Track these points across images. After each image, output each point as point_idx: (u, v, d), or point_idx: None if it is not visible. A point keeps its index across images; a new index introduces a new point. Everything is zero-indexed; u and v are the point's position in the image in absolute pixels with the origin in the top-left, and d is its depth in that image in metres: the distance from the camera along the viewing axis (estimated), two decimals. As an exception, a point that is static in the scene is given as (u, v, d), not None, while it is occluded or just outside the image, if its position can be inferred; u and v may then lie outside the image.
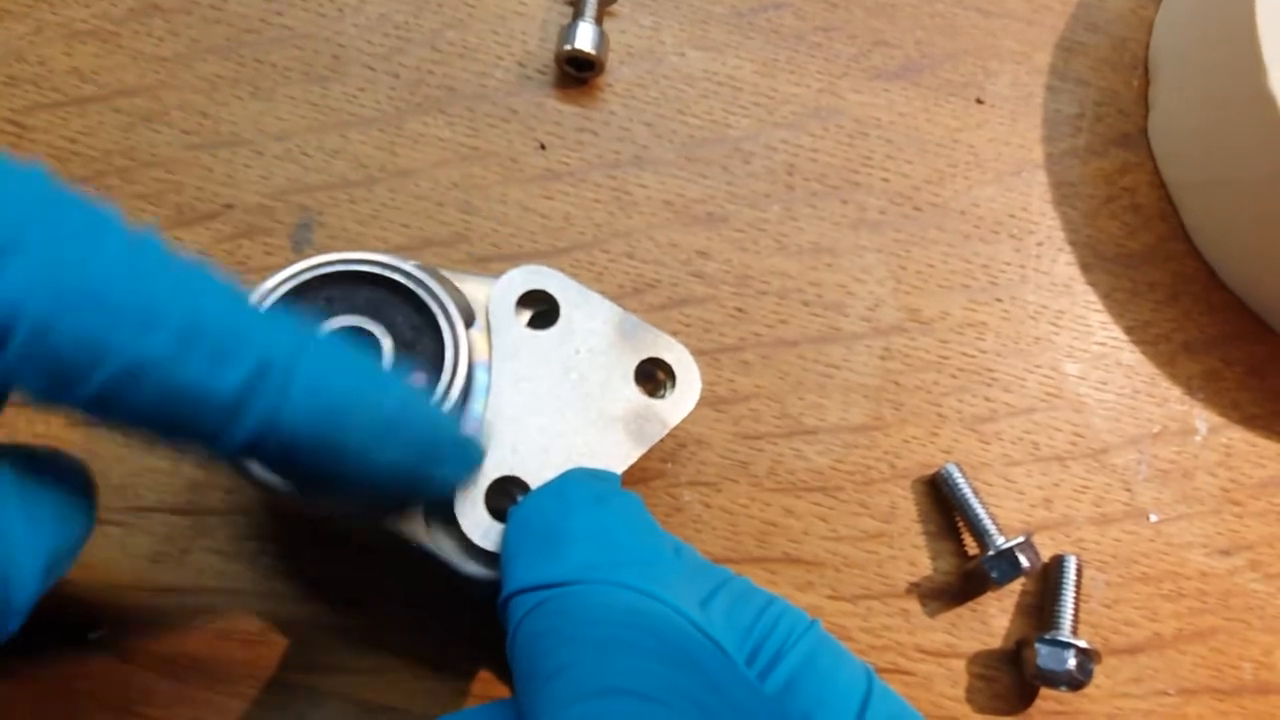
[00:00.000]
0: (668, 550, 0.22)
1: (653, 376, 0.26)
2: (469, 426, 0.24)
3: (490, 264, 0.30)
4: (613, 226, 0.31)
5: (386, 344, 0.24)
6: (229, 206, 0.30)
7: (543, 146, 0.31)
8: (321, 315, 0.24)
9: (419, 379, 0.24)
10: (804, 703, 0.20)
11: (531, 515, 0.22)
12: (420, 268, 0.25)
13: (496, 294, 0.25)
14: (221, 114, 0.30)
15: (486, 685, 0.27)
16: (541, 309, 0.26)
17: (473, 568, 0.23)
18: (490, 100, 0.31)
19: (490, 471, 0.24)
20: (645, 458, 0.29)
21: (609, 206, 0.31)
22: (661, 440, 0.29)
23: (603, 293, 0.30)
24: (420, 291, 0.24)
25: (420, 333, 0.24)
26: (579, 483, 0.23)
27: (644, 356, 0.25)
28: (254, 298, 0.23)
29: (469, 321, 0.25)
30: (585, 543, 0.20)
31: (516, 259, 0.30)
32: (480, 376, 0.25)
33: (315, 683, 0.26)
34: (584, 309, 0.25)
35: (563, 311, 0.25)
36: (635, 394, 0.25)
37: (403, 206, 0.30)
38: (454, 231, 0.30)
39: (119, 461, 0.27)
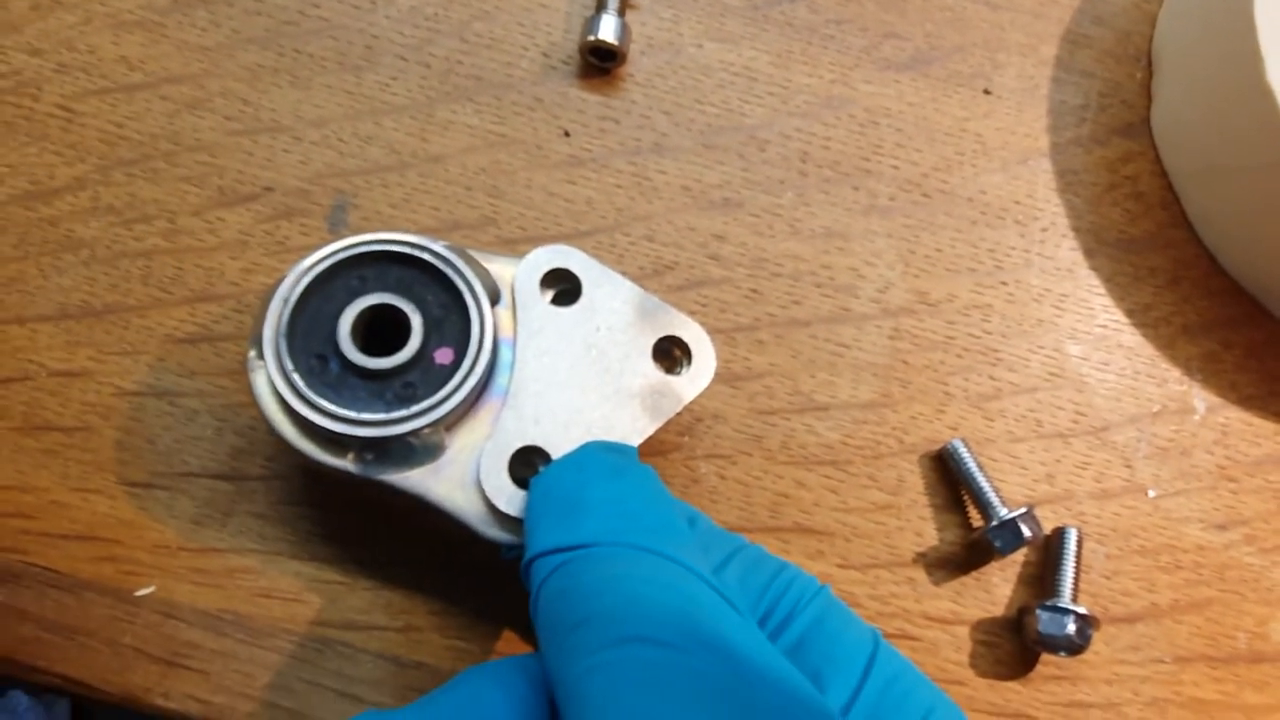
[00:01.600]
0: (681, 519, 0.23)
1: (670, 354, 0.27)
2: (497, 399, 0.25)
3: (517, 246, 0.31)
4: (633, 211, 0.32)
5: (416, 320, 0.25)
6: (268, 189, 0.31)
7: (566, 134, 0.32)
8: (355, 292, 0.25)
9: (446, 354, 0.25)
10: (814, 661, 0.22)
11: (552, 485, 0.23)
12: (449, 248, 0.26)
13: (522, 272, 0.26)
14: (262, 101, 0.32)
15: (511, 644, 0.28)
16: (564, 288, 0.27)
17: (496, 532, 0.25)
18: (516, 89, 0.33)
19: (513, 441, 0.25)
20: (663, 431, 0.30)
21: (630, 191, 0.32)
22: (679, 415, 0.30)
23: (623, 274, 0.31)
24: (448, 271, 0.25)
25: (448, 310, 0.26)
26: (597, 455, 0.24)
27: (661, 334, 0.27)
28: (293, 275, 0.25)
29: (495, 300, 0.26)
30: (603, 510, 0.22)
31: (541, 241, 0.31)
32: (505, 352, 0.26)
33: (350, 639, 0.28)
34: (605, 288, 0.27)
35: (585, 290, 0.27)
36: (652, 370, 0.26)
37: (433, 190, 0.32)
38: (482, 215, 0.32)
39: (166, 429, 0.29)
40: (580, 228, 0.32)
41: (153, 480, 0.29)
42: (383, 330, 0.26)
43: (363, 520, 0.29)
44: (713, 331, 0.31)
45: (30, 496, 0.28)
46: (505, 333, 0.26)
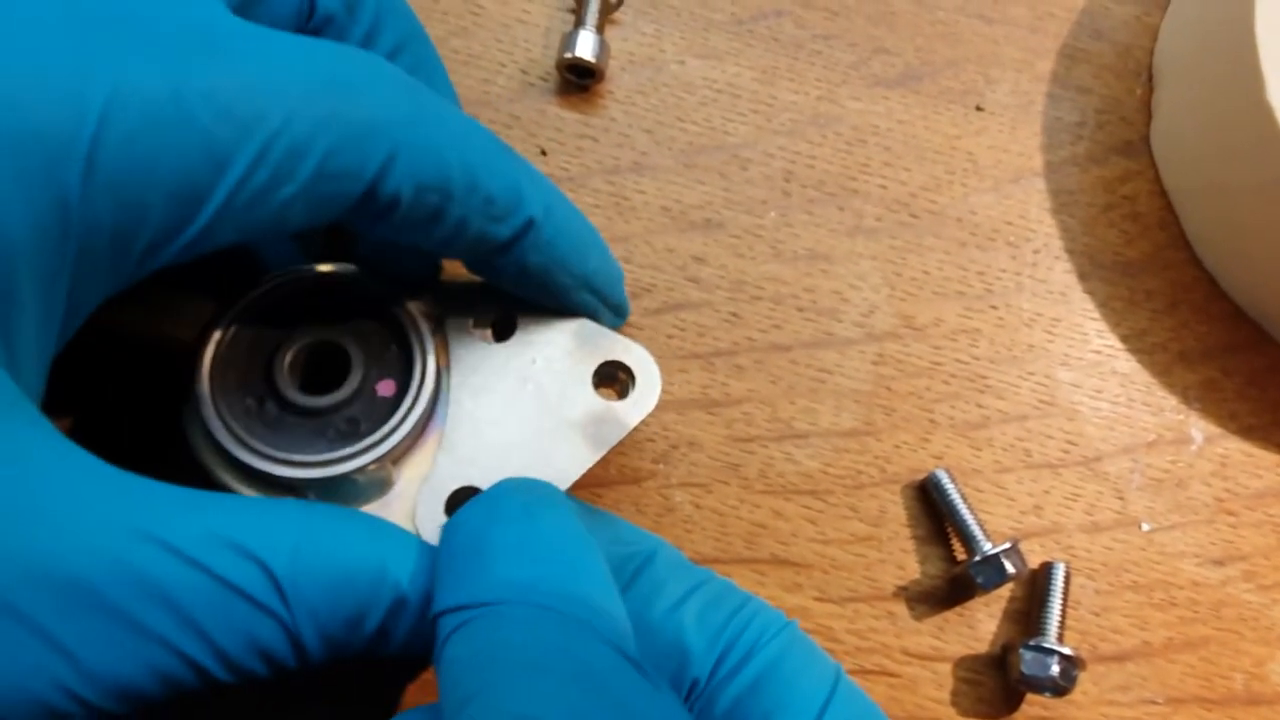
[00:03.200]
0: (596, 563, 0.22)
1: (615, 379, 0.27)
2: (434, 434, 0.25)
3: (490, 267, 0.31)
4: (611, 231, 0.31)
5: (356, 354, 0.25)
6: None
7: (544, 152, 0.32)
8: (289, 329, 0.25)
9: (389, 386, 0.25)
10: (765, 705, 0.21)
11: (459, 529, 0.22)
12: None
13: (453, 304, 0.26)
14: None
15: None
16: (499, 317, 0.27)
17: None
18: (493, 106, 0.32)
19: (449, 483, 0.25)
20: (638, 458, 0.30)
21: (607, 211, 0.32)
22: (653, 442, 0.30)
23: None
24: (385, 299, 0.25)
25: (388, 342, 0.25)
26: (507, 495, 0.23)
27: (602, 360, 0.26)
28: (224, 318, 0.25)
29: (436, 329, 0.26)
30: (508, 558, 0.21)
31: (516, 262, 0.31)
32: (448, 382, 0.26)
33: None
34: (539, 319, 0.26)
35: (519, 323, 0.26)
36: (593, 399, 0.26)
37: (406, 210, 0.31)
38: (456, 235, 0.31)
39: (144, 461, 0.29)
40: (556, 249, 0.31)
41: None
42: (322, 364, 0.25)
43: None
44: (690, 356, 0.31)
45: None
46: (449, 362, 0.26)
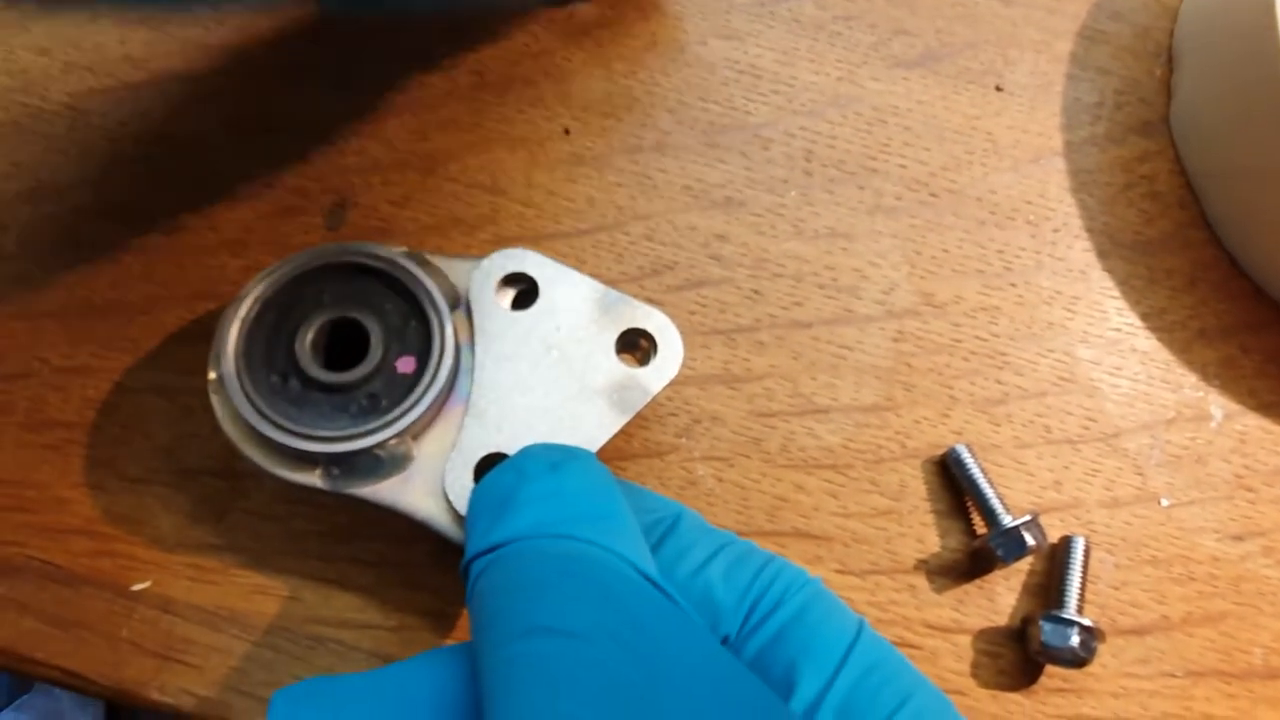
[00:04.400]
0: (621, 507, 0.22)
1: (637, 346, 0.27)
2: (455, 409, 0.25)
3: (515, 244, 0.31)
4: (634, 210, 0.32)
5: (375, 331, 0.25)
6: (269, 187, 0.31)
7: (567, 132, 0.32)
8: (311, 307, 0.26)
9: (409, 363, 0.25)
10: (790, 652, 0.21)
11: (489, 487, 0.23)
12: (407, 254, 0.26)
13: (476, 279, 0.26)
14: (264, 99, 0.32)
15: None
16: (523, 288, 0.27)
17: (463, 537, 0.24)
18: (517, 86, 0.32)
19: (477, 450, 0.25)
20: (660, 432, 0.30)
21: (630, 190, 0.32)
22: (676, 416, 0.30)
23: (622, 273, 0.31)
24: (406, 280, 0.25)
25: (408, 319, 0.26)
26: (535, 454, 0.24)
27: (625, 328, 0.26)
28: (247, 296, 0.25)
29: (455, 305, 0.26)
30: (536, 505, 0.21)
31: (541, 240, 0.31)
32: (468, 357, 0.26)
33: (343, 637, 0.28)
34: (563, 287, 0.26)
35: (542, 290, 0.26)
36: (616, 365, 0.26)
37: (432, 189, 0.31)
38: (480, 214, 0.31)
39: (164, 426, 0.29)
40: (580, 226, 0.31)
41: (151, 476, 0.29)
42: (343, 343, 0.26)
43: (357, 518, 0.29)
44: (712, 332, 0.31)
45: (32, 491, 0.28)
46: (467, 338, 0.26)
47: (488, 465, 0.25)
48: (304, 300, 0.26)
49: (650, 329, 0.27)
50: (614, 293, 0.27)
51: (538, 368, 0.26)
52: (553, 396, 0.26)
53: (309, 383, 0.25)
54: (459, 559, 0.22)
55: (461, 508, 0.24)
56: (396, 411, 0.25)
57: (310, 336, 0.25)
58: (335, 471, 0.25)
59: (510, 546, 0.21)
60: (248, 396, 0.25)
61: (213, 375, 0.25)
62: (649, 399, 0.26)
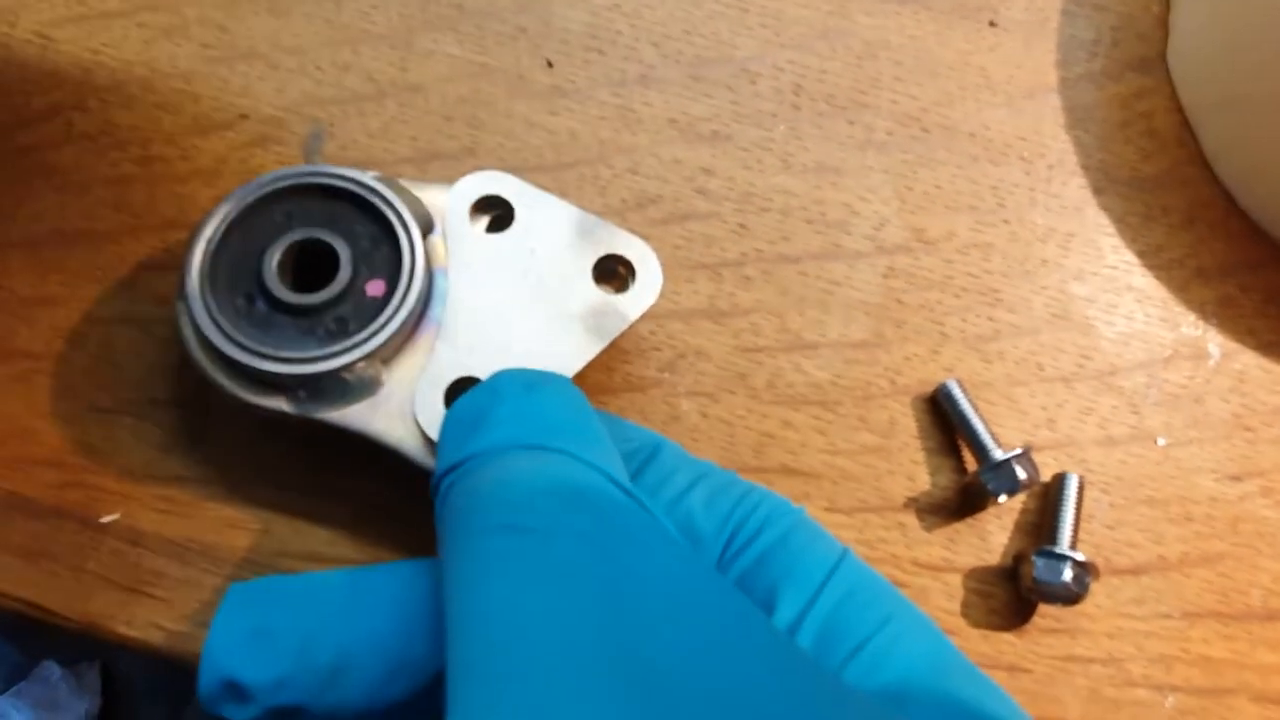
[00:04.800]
0: (598, 429, 0.22)
1: (615, 274, 0.26)
2: (426, 334, 0.25)
3: (496, 177, 0.30)
4: (617, 143, 0.31)
5: (344, 253, 0.25)
6: (244, 117, 0.30)
7: (550, 64, 0.32)
8: (280, 228, 0.25)
9: (378, 286, 0.25)
10: (772, 574, 0.21)
11: (462, 407, 0.22)
12: (379, 179, 0.25)
13: (451, 201, 0.26)
14: (239, 29, 0.31)
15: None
16: (499, 214, 0.26)
17: (433, 462, 0.24)
18: (499, 18, 0.32)
19: (449, 373, 0.24)
20: (644, 366, 0.29)
21: (614, 124, 0.31)
22: (660, 351, 0.29)
23: (606, 206, 0.31)
24: (376, 201, 0.25)
25: (378, 242, 0.25)
26: (510, 375, 0.23)
27: (603, 254, 0.26)
28: (215, 215, 0.24)
29: (428, 229, 0.26)
30: (509, 422, 0.21)
31: (522, 173, 0.30)
32: (440, 282, 0.25)
33: (316, 570, 0.27)
34: (540, 211, 0.26)
35: (518, 214, 0.26)
36: (594, 291, 0.25)
37: (411, 120, 0.31)
38: (461, 146, 0.31)
39: (136, 357, 0.28)
40: (562, 159, 0.31)
41: (122, 407, 0.28)
42: (312, 266, 0.25)
43: (331, 451, 0.28)
44: (698, 266, 0.30)
45: (-1, 422, 0.28)
46: (439, 262, 0.25)
47: (459, 390, 0.24)
48: (272, 222, 0.25)
49: (629, 255, 0.26)
50: (592, 217, 0.26)
51: (513, 292, 0.25)
52: (528, 322, 0.25)
53: (275, 305, 0.24)
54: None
55: (432, 432, 0.24)
56: (364, 334, 0.24)
57: (277, 258, 0.25)
58: (302, 395, 0.24)
59: (480, 459, 0.20)
60: (213, 318, 0.24)
61: (177, 299, 0.24)
62: (626, 325, 0.25)
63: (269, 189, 0.25)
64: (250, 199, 0.25)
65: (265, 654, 0.19)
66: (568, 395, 0.22)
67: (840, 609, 0.20)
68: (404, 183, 0.26)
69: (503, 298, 0.25)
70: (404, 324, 0.24)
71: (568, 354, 0.25)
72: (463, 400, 0.23)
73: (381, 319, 0.24)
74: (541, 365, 0.24)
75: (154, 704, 0.86)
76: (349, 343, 0.24)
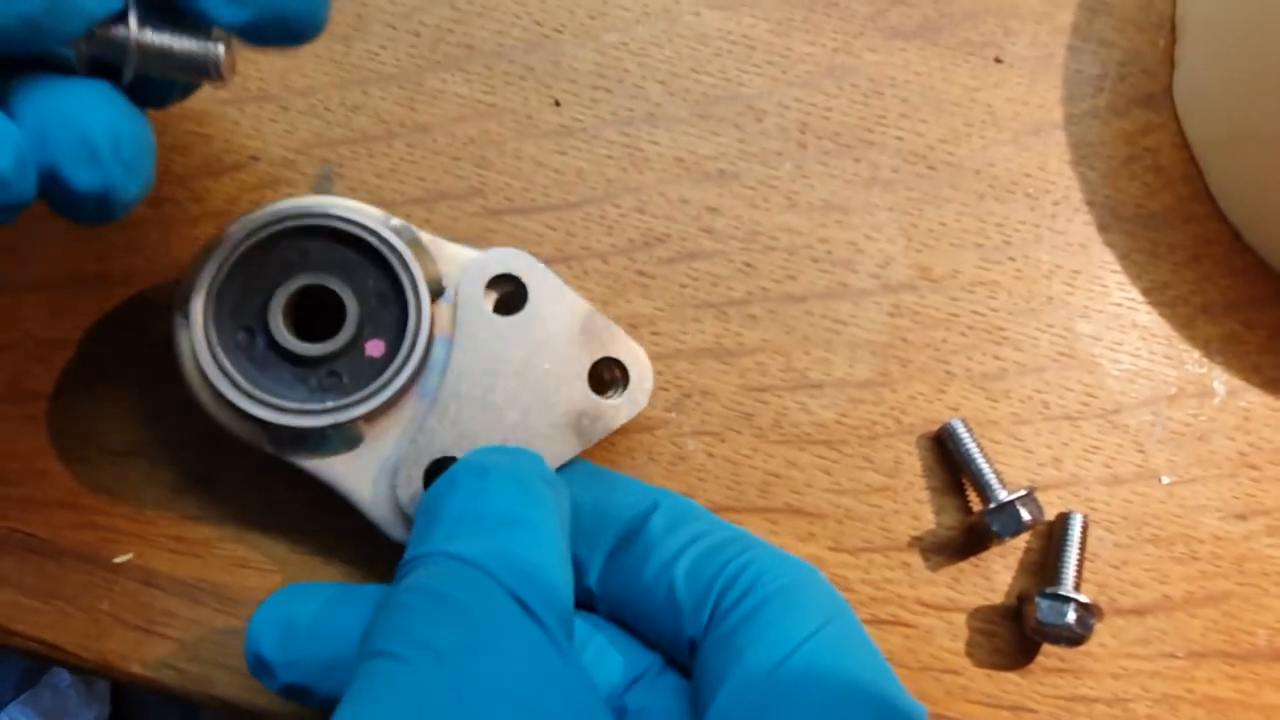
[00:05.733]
0: (541, 517, 0.23)
1: (609, 372, 0.27)
2: (423, 398, 0.25)
3: (504, 217, 0.31)
4: (624, 182, 0.31)
5: (352, 308, 0.25)
6: (254, 159, 0.31)
7: (557, 103, 0.32)
8: (293, 266, 0.25)
9: (378, 347, 0.25)
10: (740, 641, 0.21)
11: (429, 496, 0.24)
12: (400, 229, 0.25)
13: (468, 272, 0.26)
14: (249, 70, 0.31)
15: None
16: (510, 290, 0.26)
17: (402, 534, 0.25)
18: (507, 58, 0.32)
19: (433, 451, 0.25)
20: (650, 407, 0.30)
21: (621, 162, 0.31)
22: (666, 390, 0.30)
23: (613, 246, 0.31)
24: (392, 260, 0.25)
25: (386, 302, 0.25)
26: (468, 461, 0.24)
27: (601, 355, 0.26)
28: (231, 239, 0.25)
29: (438, 293, 0.26)
30: (448, 523, 0.22)
31: (529, 212, 0.31)
32: (439, 350, 0.25)
33: (326, 612, 0.27)
34: (553, 301, 0.26)
35: (531, 300, 0.26)
36: (586, 392, 0.26)
37: (420, 160, 0.31)
38: (469, 185, 0.31)
39: (147, 398, 0.29)
40: (569, 198, 0.31)
41: (134, 448, 0.28)
42: (316, 311, 0.25)
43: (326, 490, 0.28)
44: (703, 305, 0.30)
45: (13, 463, 0.28)
46: (443, 329, 0.26)
47: (440, 466, 0.24)
48: (285, 258, 0.25)
49: (626, 362, 0.26)
50: (599, 316, 0.26)
51: (510, 379, 0.25)
52: (516, 410, 0.25)
53: (274, 346, 0.25)
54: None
55: (408, 505, 0.25)
56: (358, 395, 0.24)
57: (285, 299, 0.25)
58: (284, 437, 0.25)
59: (413, 563, 0.22)
60: (210, 347, 0.24)
61: (178, 314, 0.25)
62: (609, 433, 0.26)
63: (289, 224, 0.25)
64: (270, 230, 0.25)
65: (283, 639, 0.23)
66: (519, 481, 0.23)
67: (785, 689, 0.20)
68: (423, 235, 0.26)
69: (499, 380, 0.25)
70: (399, 391, 0.24)
71: (548, 451, 0.25)
72: (432, 489, 0.24)
73: (378, 383, 0.24)
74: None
75: (164, 712, 0.87)
76: (342, 401, 0.24)
